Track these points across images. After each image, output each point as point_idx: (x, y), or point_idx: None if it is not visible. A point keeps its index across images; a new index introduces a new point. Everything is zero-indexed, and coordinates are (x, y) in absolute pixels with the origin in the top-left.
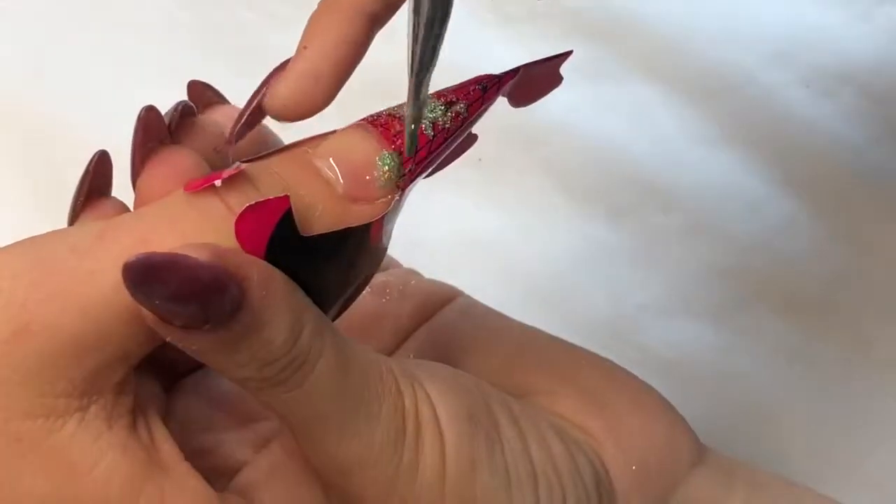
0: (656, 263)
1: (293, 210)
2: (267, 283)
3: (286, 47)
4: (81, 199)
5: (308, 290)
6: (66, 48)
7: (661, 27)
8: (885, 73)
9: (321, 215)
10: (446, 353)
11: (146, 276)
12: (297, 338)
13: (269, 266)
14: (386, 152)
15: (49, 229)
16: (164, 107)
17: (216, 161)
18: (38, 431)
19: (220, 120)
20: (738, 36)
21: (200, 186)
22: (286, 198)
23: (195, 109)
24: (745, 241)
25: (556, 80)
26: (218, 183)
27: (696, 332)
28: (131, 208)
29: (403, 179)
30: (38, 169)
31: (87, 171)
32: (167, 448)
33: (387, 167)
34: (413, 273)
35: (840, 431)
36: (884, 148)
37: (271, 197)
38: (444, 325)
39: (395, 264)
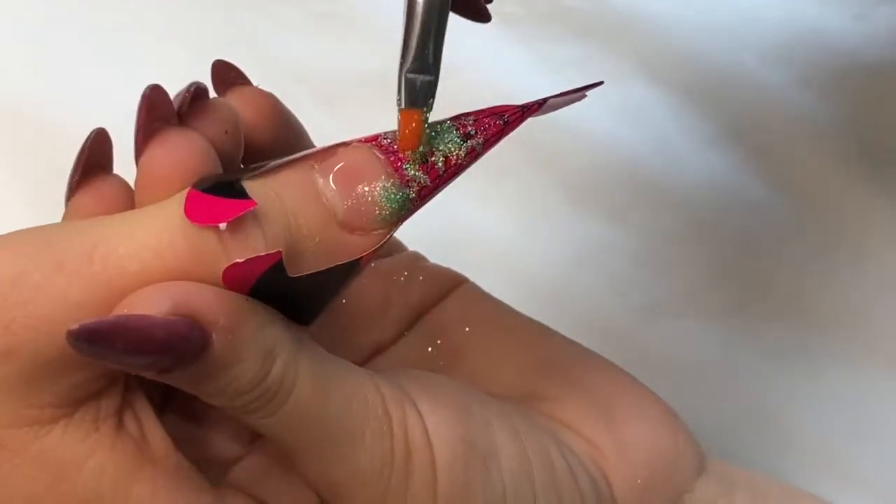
0: (657, 263)
1: (288, 241)
2: (235, 327)
3: (286, 47)
4: (77, 176)
5: (290, 309)
6: (64, 47)
7: (662, 27)
8: (885, 73)
9: (316, 246)
10: (451, 344)
11: (92, 341)
12: (268, 372)
13: (239, 307)
14: (392, 186)
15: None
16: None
17: (226, 145)
18: (24, 438)
19: (237, 103)
20: (738, 36)
21: (204, 223)
22: (279, 253)
23: (208, 92)
24: (746, 241)
25: (579, 98)
26: (223, 226)
27: (698, 332)
28: (132, 186)
29: (404, 215)
30: (37, 168)
31: (83, 149)
32: (158, 441)
33: (390, 202)
34: (419, 258)
35: (841, 432)
36: (885, 148)
37: (264, 254)
38: (449, 314)
39: (401, 248)
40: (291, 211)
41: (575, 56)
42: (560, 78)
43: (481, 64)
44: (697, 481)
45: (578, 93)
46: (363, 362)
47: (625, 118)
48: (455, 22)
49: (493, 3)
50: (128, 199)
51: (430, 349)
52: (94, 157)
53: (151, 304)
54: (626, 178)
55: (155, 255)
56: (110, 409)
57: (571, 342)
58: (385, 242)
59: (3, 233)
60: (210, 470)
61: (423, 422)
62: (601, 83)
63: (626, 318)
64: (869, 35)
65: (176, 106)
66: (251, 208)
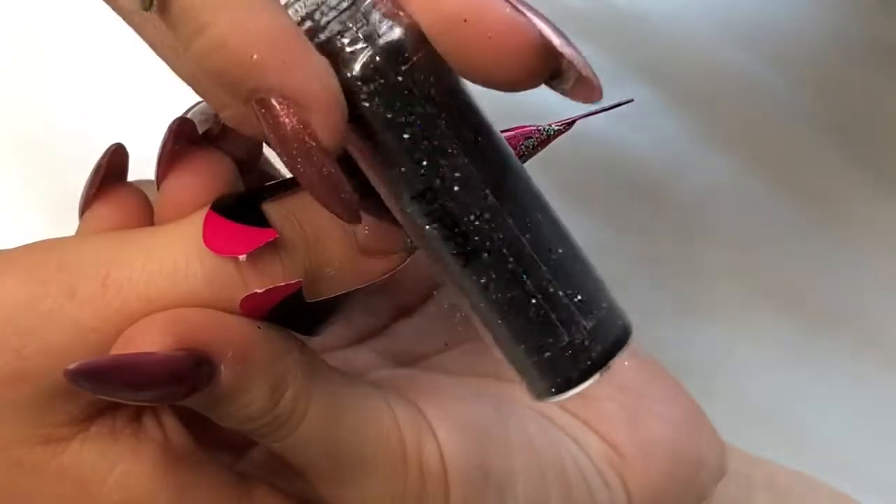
0: (657, 263)
1: (307, 269)
2: (244, 359)
3: None
4: (93, 191)
5: (300, 325)
6: (68, 50)
7: (661, 27)
8: (886, 75)
9: (335, 272)
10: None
11: (91, 380)
12: (278, 402)
13: (250, 338)
14: None
15: (49, 230)
16: (167, 111)
17: (250, 159)
18: (40, 456)
19: None
20: (738, 37)
21: (224, 252)
22: (298, 283)
23: None
24: (746, 242)
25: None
26: (242, 258)
27: (698, 332)
28: (144, 188)
29: None
30: (39, 172)
31: (100, 164)
32: (181, 440)
33: None
34: None
35: (844, 431)
36: (886, 148)
37: (282, 284)
38: None
39: None
40: (312, 238)
41: None
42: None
43: None
44: (717, 485)
45: (605, 111)
46: (386, 324)
47: (624, 118)
48: None
49: None
50: (146, 210)
51: (457, 316)
52: (111, 172)
53: (152, 340)
54: (625, 178)
55: (170, 283)
56: (127, 418)
57: None
58: (403, 265)
59: (4, 235)
60: (223, 455)
61: (440, 448)
62: (631, 100)
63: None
64: (871, 38)
65: (201, 130)
66: (271, 239)
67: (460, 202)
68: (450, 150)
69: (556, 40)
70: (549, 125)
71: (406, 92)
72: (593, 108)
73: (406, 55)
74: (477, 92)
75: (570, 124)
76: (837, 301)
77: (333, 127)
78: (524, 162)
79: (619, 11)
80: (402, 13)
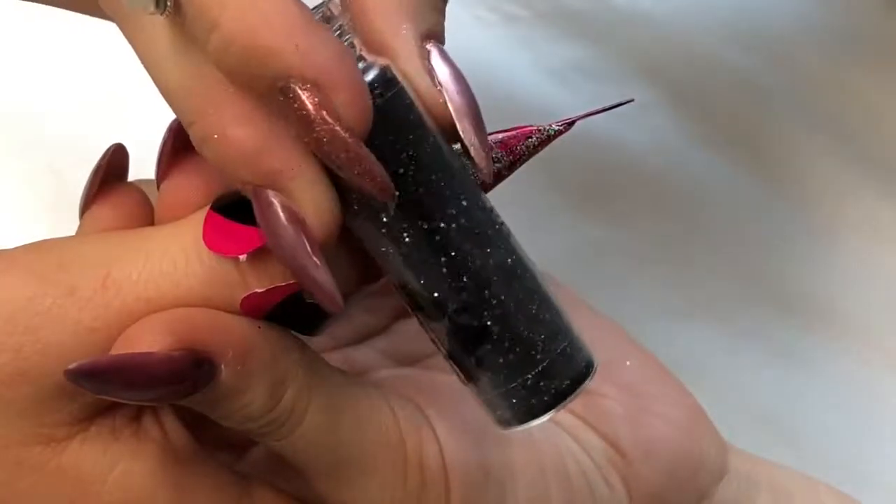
0: (657, 264)
1: None
2: (245, 359)
3: None
4: (93, 191)
5: (299, 324)
6: (68, 51)
7: (661, 27)
8: (885, 75)
9: (335, 274)
10: None
11: (91, 379)
12: (278, 402)
13: (251, 338)
14: None
15: (49, 230)
16: (167, 111)
17: None
18: (40, 456)
19: None
20: (738, 36)
21: (224, 253)
22: (297, 283)
23: None
24: (746, 241)
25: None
26: (242, 258)
27: (698, 332)
28: (144, 188)
29: None
30: (39, 172)
31: (100, 164)
32: (181, 440)
33: None
34: None
35: (843, 431)
36: (886, 148)
37: (283, 284)
38: None
39: None
40: None
41: (575, 56)
42: (560, 78)
43: (482, 64)
44: (718, 484)
45: (606, 111)
46: (386, 324)
47: (624, 118)
48: (455, 21)
49: (494, 2)
50: (146, 210)
51: None
52: (111, 172)
53: (152, 340)
54: (625, 178)
55: (170, 282)
56: (127, 417)
57: (604, 319)
58: None
59: (4, 235)
60: (223, 455)
61: (440, 448)
62: (632, 100)
63: (626, 318)
64: (871, 38)
65: None
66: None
67: (424, 240)
68: (416, 184)
69: (463, 124)
70: (549, 125)
71: (376, 129)
72: (593, 108)
73: (375, 95)
74: (477, 92)
75: (570, 124)
76: (837, 301)
77: (357, 106)
78: (524, 162)
79: (619, 11)
80: (370, 58)
